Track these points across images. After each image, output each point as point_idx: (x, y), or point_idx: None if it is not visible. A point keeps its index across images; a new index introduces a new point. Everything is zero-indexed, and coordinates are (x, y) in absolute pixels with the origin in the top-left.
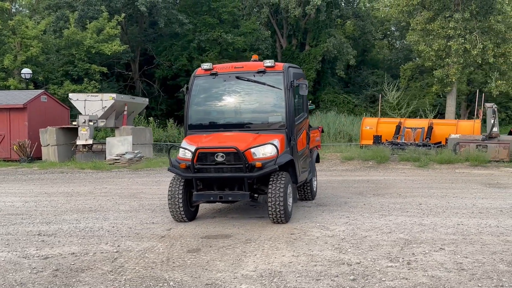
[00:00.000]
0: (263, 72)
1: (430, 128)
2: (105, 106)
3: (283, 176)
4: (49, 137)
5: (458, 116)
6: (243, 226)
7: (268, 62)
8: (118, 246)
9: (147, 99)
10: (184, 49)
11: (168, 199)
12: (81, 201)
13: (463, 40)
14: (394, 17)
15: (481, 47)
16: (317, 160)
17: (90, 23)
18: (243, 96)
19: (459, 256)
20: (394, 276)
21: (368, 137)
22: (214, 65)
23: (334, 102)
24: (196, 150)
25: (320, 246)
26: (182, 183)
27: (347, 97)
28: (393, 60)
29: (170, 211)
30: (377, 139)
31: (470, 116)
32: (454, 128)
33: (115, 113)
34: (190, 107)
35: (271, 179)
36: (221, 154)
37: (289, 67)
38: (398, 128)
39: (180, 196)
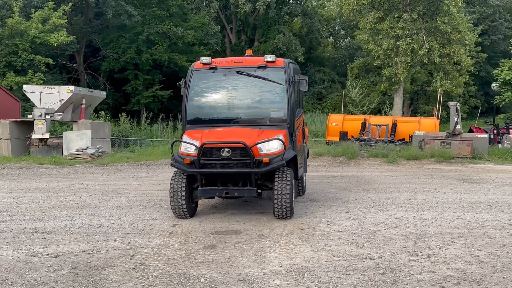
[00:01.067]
0: (264, 67)
1: (394, 125)
2: (62, 99)
3: (288, 172)
4: (2, 130)
5: (402, 113)
6: (248, 222)
7: (269, 57)
8: (129, 243)
9: (105, 93)
10: (132, 42)
11: (170, 196)
12: (63, 197)
13: (411, 40)
14: (345, 15)
15: (428, 47)
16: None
17: (35, 12)
18: (244, 91)
19: (473, 249)
20: (419, 269)
21: (334, 134)
22: (212, 59)
23: None
24: (202, 145)
25: (335, 241)
26: (184, 179)
27: None
28: (338, 58)
29: (172, 208)
30: (344, 136)
31: (413, 114)
32: (417, 125)
33: (72, 106)
34: (188, 101)
35: (277, 175)
36: (227, 149)
37: (289, 62)
38: (364, 125)
39: (183, 192)
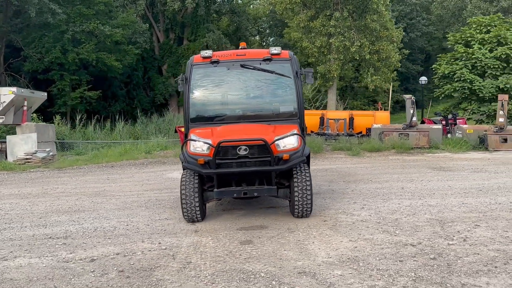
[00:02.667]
0: (269, 59)
1: (352, 119)
2: (4, 101)
3: (306, 168)
4: None
5: (336, 109)
6: (267, 217)
7: (275, 50)
8: (159, 243)
9: (46, 94)
10: (57, 41)
11: (182, 199)
12: (49, 202)
13: (343, 38)
14: (278, 13)
15: (359, 44)
16: None
17: None
18: (250, 85)
19: (499, 231)
20: (464, 253)
21: None
22: (213, 52)
23: None
24: (219, 143)
25: (365, 231)
26: (197, 181)
27: None
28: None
29: (185, 212)
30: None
31: (345, 108)
32: (373, 118)
33: (13, 108)
34: (190, 98)
35: (295, 171)
36: (244, 147)
37: (293, 54)
38: (322, 119)
39: (197, 195)
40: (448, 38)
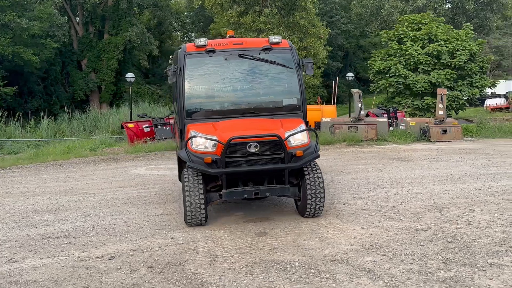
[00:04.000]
0: (269, 49)
1: None
2: None
3: (317, 165)
4: None
5: None
6: (266, 209)
7: (275, 38)
8: (172, 238)
9: None
10: None
11: (186, 201)
12: (20, 202)
13: (272, 34)
14: (207, 9)
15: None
16: None
17: None
18: (250, 77)
19: (495, 214)
20: (475, 235)
21: None
22: (208, 41)
23: (139, 93)
24: (230, 140)
25: (372, 218)
26: (201, 181)
27: (150, 88)
28: None
29: (189, 215)
30: None
31: None
32: (320, 112)
33: None
34: (185, 91)
35: (306, 169)
36: (255, 144)
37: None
38: None
39: (203, 197)
40: (382, 36)
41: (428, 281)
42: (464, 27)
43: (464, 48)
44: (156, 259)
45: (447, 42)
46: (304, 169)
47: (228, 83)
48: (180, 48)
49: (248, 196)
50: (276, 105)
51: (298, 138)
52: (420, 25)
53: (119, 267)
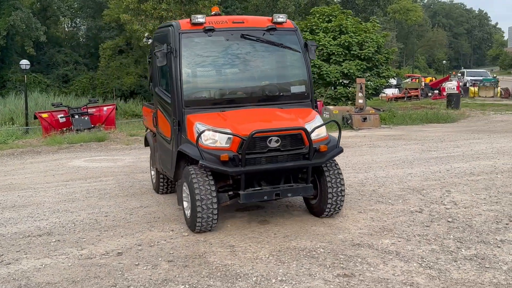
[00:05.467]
0: (274, 29)
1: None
2: None
3: (335, 161)
4: None
5: None
6: (257, 209)
7: (280, 17)
8: (172, 230)
9: None
10: None
11: (197, 206)
12: None
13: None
14: None
15: None
16: None
17: None
18: (254, 60)
19: (472, 194)
20: (468, 214)
21: None
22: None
23: (24, 82)
24: (252, 134)
25: (362, 202)
26: (212, 182)
27: (37, 76)
28: (78, 39)
29: (199, 222)
30: None
31: None
32: None
33: None
34: (183, 76)
35: (325, 166)
36: (276, 138)
37: None
38: None
39: (215, 200)
40: None
41: (457, 259)
42: (371, 20)
43: (372, 40)
44: (171, 252)
45: (357, 34)
46: (323, 165)
47: (231, 67)
48: (171, 25)
49: (268, 198)
50: (284, 93)
51: (320, 131)
52: (330, 17)
53: (136, 263)
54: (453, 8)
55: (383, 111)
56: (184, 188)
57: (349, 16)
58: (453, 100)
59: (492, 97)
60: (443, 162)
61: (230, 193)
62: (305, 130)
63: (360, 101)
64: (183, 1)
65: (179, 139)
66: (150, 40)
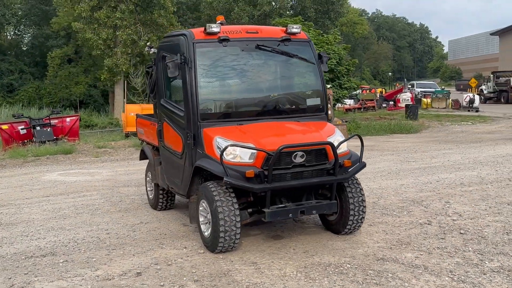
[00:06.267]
0: (288, 40)
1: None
2: None
3: (356, 177)
4: None
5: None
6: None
7: (295, 28)
8: (185, 247)
9: None
10: None
11: (221, 225)
12: None
13: (130, 31)
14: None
15: (147, 39)
16: None
17: None
18: (269, 72)
19: (472, 205)
20: (477, 225)
21: (134, 124)
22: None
23: None
24: (280, 149)
25: (368, 215)
26: (235, 200)
27: None
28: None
29: (222, 242)
30: None
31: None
32: None
33: None
34: (198, 88)
35: (347, 182)
36: (301, 153)
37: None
38: None
39: (238, 219)
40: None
41: (485, 272)
42: (332, 32)
43: (334, 52)
44: (193, 271)
45: (319, 46)
46: (344, 181)
47: (248, 79)
48: (183, 35)
49: (293, 216)
50: (300, 106)
51: (343, 146)
52: None
53: (161, 284)
54: (396, 22)
55: (347, 122)
56: (202, 206)
57: (311, 28)
58: (411, 111)
59: (445, 108)
60: (429, 173)
61: (249, 210)
62: (332, 144)
63: (329, 112)
64: (137, 10)
65: (194, 153)
66: (153, 50)
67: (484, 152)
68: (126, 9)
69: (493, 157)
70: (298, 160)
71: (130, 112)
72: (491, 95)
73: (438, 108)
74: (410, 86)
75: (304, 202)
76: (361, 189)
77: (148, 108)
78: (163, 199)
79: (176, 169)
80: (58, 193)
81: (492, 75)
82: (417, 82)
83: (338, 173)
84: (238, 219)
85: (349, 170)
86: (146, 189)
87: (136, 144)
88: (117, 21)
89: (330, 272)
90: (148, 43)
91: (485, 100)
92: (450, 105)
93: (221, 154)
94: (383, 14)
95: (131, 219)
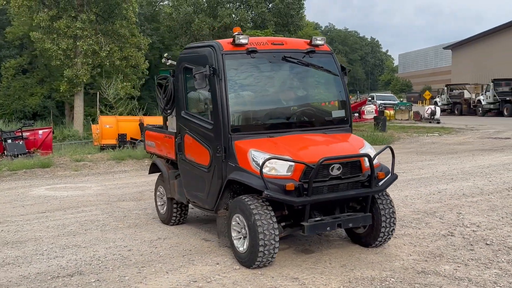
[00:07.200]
0: (313, 52)
1: (142, 125)
2: None
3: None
4: None
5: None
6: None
7: (318, 40)
8: (217, 264)
9: None
10: None
11: (261, 239)
12: None
13: (91, 41)
14: (12, 12)
15: (108, 49)
16: None
17: None
18: (297, 84)
19: (485, 215)
20: (499, 236)
21: (109, 136)
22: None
23: None
24: (321, 161)
25: None
26: (273, 213)
27: None
28: None
29: (260, 257)
30: (123, 138)
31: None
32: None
33: None
34: (228, 99)
35: (377, 194)
36: (338, 165)
37: None
38: (142, 125)
39: (277, 232)
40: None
41: None
42: None
43: None
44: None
45: None
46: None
47: (276, 90)
48: (210, 46)
49: (330, 229)
50: (326, 118)
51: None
52: None
53: None
54: (348, 36)
55: None
56: (235, 220)
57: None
58: (380, 123)
59: (407, 120)
60: (426, 184)
61: (282, 224)
62: (369, 156)
63: None
64: (98, 20)
65: (224, 167)
66: (170, 61)
67: (466, 163)
68: (87, 19)
69: (479, 168)
70: (335, 172)
71: (105, 124)
72: (445, 107)
73: (402, 120)
74: (370, 99)
75: (339, 215)
76: (391, 201)
77: (124, 120)
78: (176, 213)
79: (201, 182)
80: (54, 208)
81: (446, 88)
82: (376, 94)
83: (375, 185)
84: (277, 232)
85: (382, 182)
86: (156, 203)
87: (116, 157)
88: (77, 31)
89: (378, 286)
90: (165, 55)
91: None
92: (412, 117)
93: (261, 167)
94: (335, 28)
95: (147, 235)
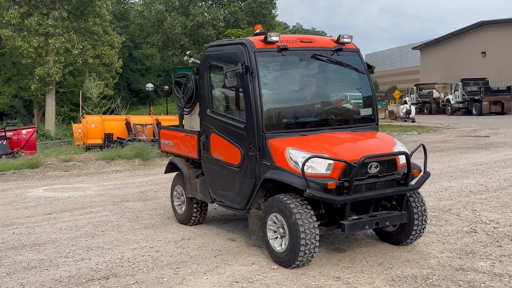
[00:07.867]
0: (341, 50)
1: (159, 124)
2: None
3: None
4: None
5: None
6: None
7: (346, 38)
8: (253, 264)
9: None
10: None
11: (302, 238)
12: None
13: (63, 39)
14: None
15: (81, 47)
16: None
17: None
18: (324, 81)
19: (500, 212)
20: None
21: (95, 136)
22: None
23: None
24: (363, 159)
25: None
26: (312, 212)
27: None
28: None
29: (301, 256)
30: (109, 137)
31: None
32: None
33: None
34: (261, 97)
35: (410, 192)
36: (376, 163)
37: None
38: (129, 125)
39: (318, 231)
40: (206, 46)
41: None
42: None
43: None
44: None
45: None
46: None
47: (307, 88)
48: (241, 43)
49: (369, 228)
50: (354, 116)
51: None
52: None
53: None
54: (317, 35)
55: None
56: (272, 220)
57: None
58: None
59: (384, 118)
60: (428, 182)
61: (318, 222)
62: (407, 154)
63: None
64: (70, 17)
65: (258, 165)
66: (192, 59)
67: (458, 161)
68: (59, 16)
69: (473, 166)
70: (373, 170)
71: (90, 123)
72: (415, 106)
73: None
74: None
75: (375, 213)
76: (423, 199)
77: (110, 119)
78: (197, 213)
79: (230, 181)
80: (59, 210)
81: (415, 87)
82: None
83: (409, 183)
84: (317, 231)
85: (417, 180)
86: (173, 204)
87: (105, 157)
88: (49, 28)
89: (423, 285)
90: (187, 52)
91: None
92: (387, 116)
93: (303, 166)
94: (303, 28)
95: (169, 235)
